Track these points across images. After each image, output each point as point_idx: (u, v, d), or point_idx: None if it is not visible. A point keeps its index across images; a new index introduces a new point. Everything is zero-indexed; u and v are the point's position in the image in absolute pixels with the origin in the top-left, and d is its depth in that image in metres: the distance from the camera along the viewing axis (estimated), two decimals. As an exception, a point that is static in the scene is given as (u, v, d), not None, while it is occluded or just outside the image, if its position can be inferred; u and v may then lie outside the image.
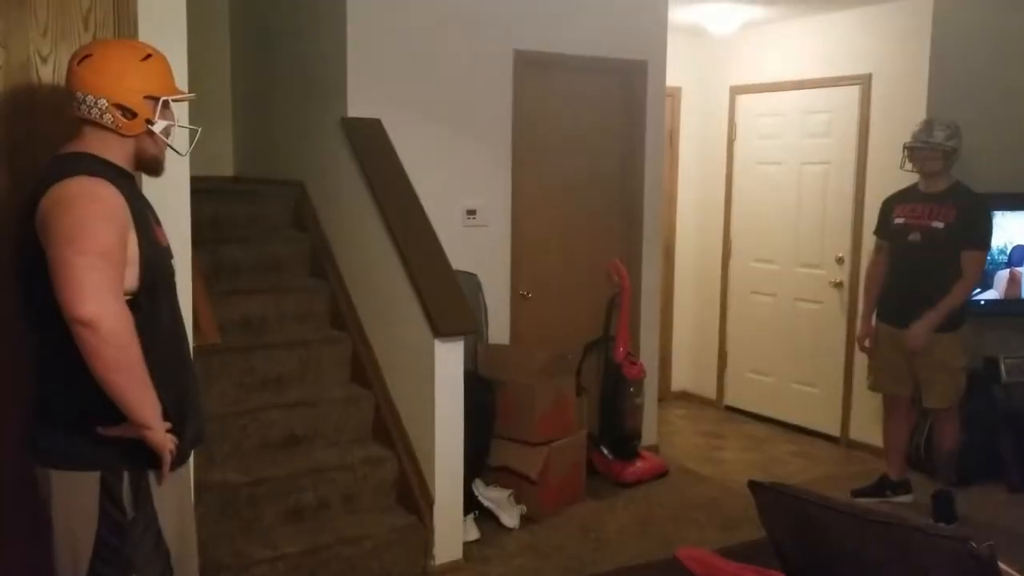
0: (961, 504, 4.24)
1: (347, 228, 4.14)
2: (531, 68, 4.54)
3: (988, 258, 4.74)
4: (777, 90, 5.64)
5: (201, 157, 2.75)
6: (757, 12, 5.24)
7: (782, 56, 5.61)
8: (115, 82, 2.00)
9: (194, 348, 2.75)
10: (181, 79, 2.59)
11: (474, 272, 4.30)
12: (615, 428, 4.68)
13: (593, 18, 4.71)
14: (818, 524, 1.83)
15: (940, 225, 4.04)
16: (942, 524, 4.06)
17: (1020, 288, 4.79)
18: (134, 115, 2.02)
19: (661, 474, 4.73)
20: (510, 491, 4.08)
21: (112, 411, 1.90)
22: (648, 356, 5.04)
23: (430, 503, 3.59)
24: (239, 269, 4.15)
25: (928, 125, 4.15)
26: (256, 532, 3.42)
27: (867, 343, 4.41)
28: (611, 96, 4.92)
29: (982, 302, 4.79)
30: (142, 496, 2.00)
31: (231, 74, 5.18)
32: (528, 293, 4.66)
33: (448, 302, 3.56)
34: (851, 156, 5.22)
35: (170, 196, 2.59)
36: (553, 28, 4.59)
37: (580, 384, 4.53)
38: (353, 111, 4.05)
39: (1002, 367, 4.84)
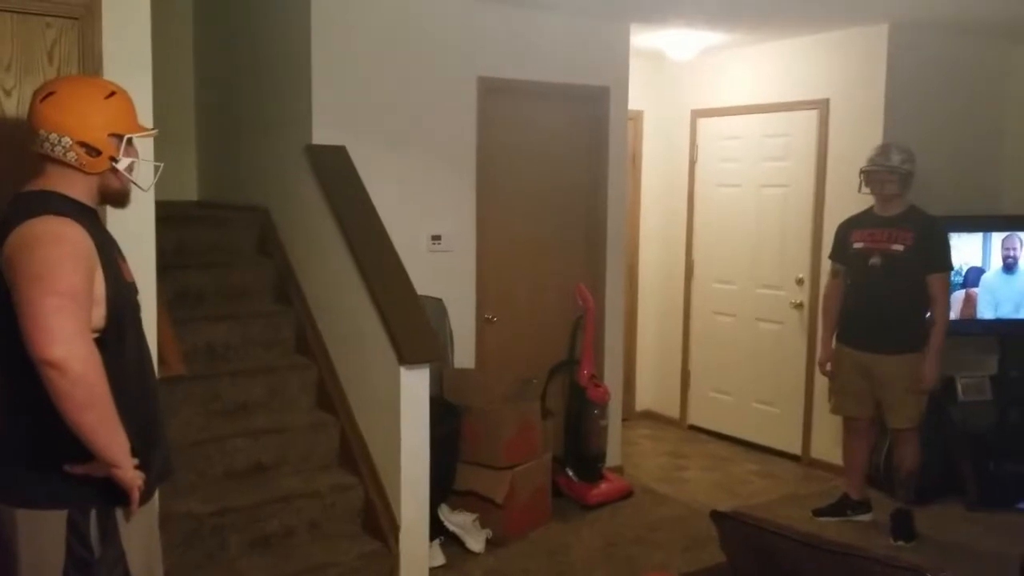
0: (920, 522, 4.32)
1: (312, 254, 4.14)
2: (495, 94, 4.59)
3: (944, 279, 4.87)
4: (737, 114, 5.74)
5: (165, 182, 2.74)
6: (716, 38, 5.34)
7: (741, 81, 5.72)
8: (79, 120, 1.99)
9: (159, 379, 2.74)
10: (147, 107, 2.59)
11: (439, 297, 4.32)
12: (580, 451, 4.71)
13: (556, 45, 4.77)
14: (779, 554, 1.87)
15: (900, 248, 4.10)
16: (901, 542, 4.13)
17: (975, 308, 4.91)
18: (98, 153, 2.01)
19: (626, 495, 4.76)
20: (475, 515, 4.09)
21: (80, 449, 1.88)
22: (612, 377, 5.09)
23: (396, 529, 3.59)
24: (204, 295, 4.12)
25: (885, 149, 4.24)
26: (221, 562, 3.38)
27: (828, 367, 4.46)
28: (575, 121, 4.98)
29: (937, 323, 4.90)
30: (110, 533, 1.98)
31: (195, 98, 5.16)
32: (493, 317, 4.68)
33: (413, 328, 3.57)
34: (809, 179, 5.32)
35: (134, 223, 2.60)
36: (516, 55, 4.64)
37: (545, 407, 4.56)
38: (318, 138, 4.06)
39: (958, 386, 4.96)
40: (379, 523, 3.64)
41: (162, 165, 2.31)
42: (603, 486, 4.70)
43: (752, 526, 2.01)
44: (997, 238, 4.89)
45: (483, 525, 4.08)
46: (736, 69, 5.75)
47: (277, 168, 4.37)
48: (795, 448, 5.48)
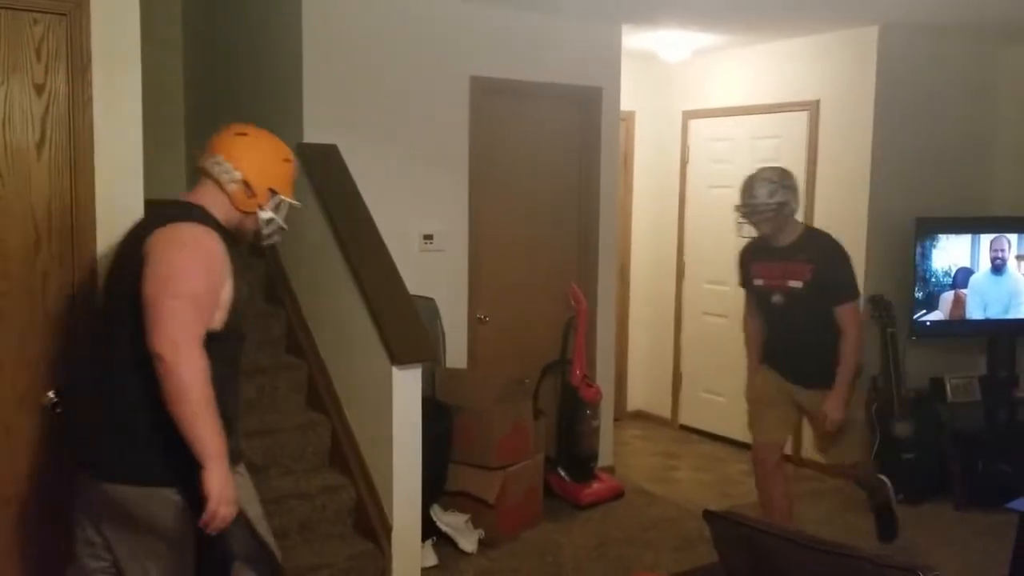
0: (909, 522, 4.33)
1: (303, 254, 4.12)
2: (487, 94, 4.58)
3: (933, 280, 4.89)
4: (728, 115, 5.75)
5: (153, 180, 2.74)
6: (708, 39, 5.35)
7: (732, 82, 5.73)
8: (254, 164, 2.30)
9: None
10: (135, 104, 2.59)
11: (431, 297, 4.31)
12: (572, 451, 4.71)
13: (548, 45, 4.77)
14: (771, 553, 1.87)
15: (799, 285, 3.66)
16: (885, 541, 4.06)
17: (964, 309, 4.94)
18: (252, 195, 2.29)
19: (617, 495, 4.76)
20: (468, 516, 4.08)
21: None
22: (604, 377, 5.09)
23: (388, 530, 3.58)
24: (193, 295, 4.09)
25: (748, 185, 3.74)
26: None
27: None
28: (567, 121, 4.98)
29: (928, 323, 4.93)
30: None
31: (184, 96, 5.14)
32: (485, 317, 4.68)
33: (405, 328, 3.56)
34: (800, 181, 5.32)
35: (123, 220, 2.57)
36: (509, 55, 4.64)
37: (537, 407, 4.55)
38: (309, 136, 4.04)
39: (948, 387, 4.99)
40: (371, 524, 3.63)
41: (281, 232, 2.47)
42: (595, 486, 4.70)
43: (744, 526, 2.01)
44: (986, 239, 4.92)
45: (475, 525, 4.08)
46: (727, 70, 5.76)
47: (268, 167, 4.35)
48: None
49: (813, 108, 5.24)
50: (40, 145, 2.43)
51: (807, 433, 5.35)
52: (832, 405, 3.67)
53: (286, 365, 4.02)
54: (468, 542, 4.01)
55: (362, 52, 4.21)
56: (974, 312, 4.94)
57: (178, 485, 2.07)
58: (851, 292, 3.74)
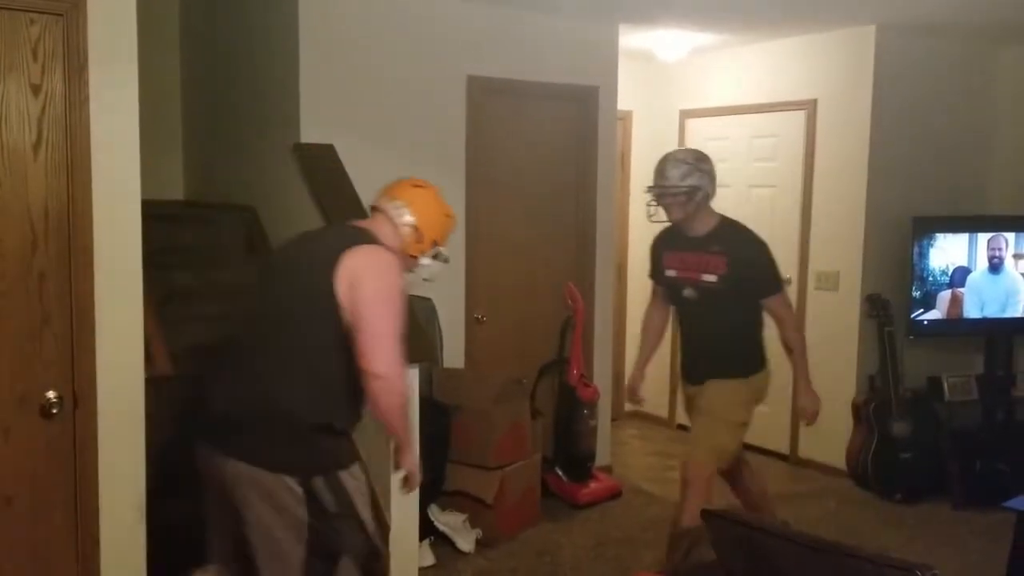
0: (908, 520, 4.35)
1: (301, 253, 4.11)
2: (484, 93, 4.58)
3: (931, 279, 4.90)
4: (725, 114, 5.75)
5: (150, 180, 2.73)
6: (705, 38, 5.35)
7: (730, 81, 5.73)
8: (426, 215, 2.61)
9: (146, 380, 2.73)
10: (132, 105, 2.58)
11: (428, 297, 4.30)
12: (570, 450, 4.71)
13: (545, 45, 4.77)
14: (769, 552, 1.87)
15: (713, 279, 3.41)
16: None
17: (961, 308, 4.94)
18: (419, 241, 2.59)
19: (615, 495, 4.76)
20: (465, 516, 4.08)
21: (327, 434, 2.42)
22: (602, 377, 5.09)
23: (385, 529, 3.56)
24: (190, 295, 4.08)
25: (661, 165, 3.50)
26: (207, 564, 3.35)
27: (638, 395, 3.92)
28: (564, 121, 4.98)
29: (925, 322, 4.94)
30: (340, 493, 2.41)
31: (181, 96, 5.13)
32: (482, 317, 4.67)
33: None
34: (797, 180, 5.34)
35: (120, 221, 2.57)
36: (506, 54, 4.64)
37: (535, 407, 4.55)
38: (306, 136, 4.04)
39: (945, 386, 5.00)
40: (368, 524, 3.62)
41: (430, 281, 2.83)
42: (593, 486, 4.70)
43: (742, 525, 2.01)
44: (983, 238, 4.92)
45: (473, 525, 4.08)
46: (725, 70, 5.76)
47: (265, 166, 4.35)
48: (783, 447, 5.49)
49: (810, 107, 5.25)
50: (37, 145, 2.42)
51: (804, 433, 5.36)
52: (807, 398, 3.54)
53: (284, 365, 4.01)
54: (466, 542, 4.01)
55: (359, 52, 4.21)
56: (971, 311, 4.95)
57: (299, 477, 2.35)
58: (777, 283, 3.53)
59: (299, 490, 2.36)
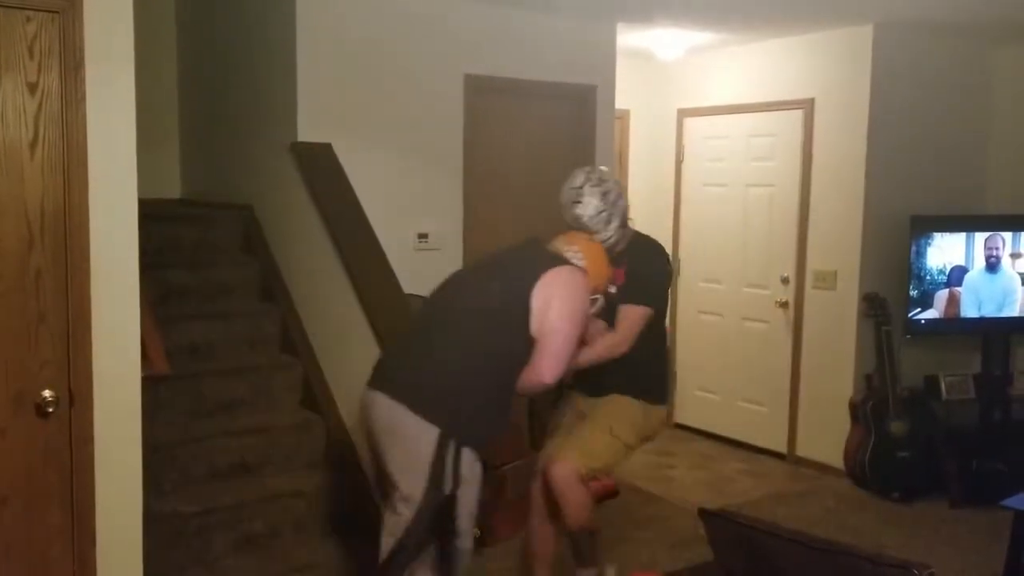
0: (905, 519, 4.35)
1: (297, 252, 4.11)
2: (482, 92, 4.57)
3: (928, 278, 4.90)
4: (723, 113, 5.75)
5: (147, 178, 2.72)
6: (703, 37, 5.35)
7: (728, 80, 5.73)
8: (596, 265, 2.94)
9: (142, 379, 2.72)
10: (129, 103, 2.57)
11: (426, 296, 4.29)
12: (568, 449, 4.70)
13: (543, 44, 4.76)
14: (767, 551, 1.87)
15: (613, 290, 3.19)
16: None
17: (959, 307, 4.94)
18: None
19: (612, 494, 4.75)
20: (463, 515, 4.07)
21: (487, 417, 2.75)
22: (600, 377, 5.07)
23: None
24: (187, 294, 4.09)
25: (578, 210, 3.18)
26: (206, 562, 3.36)
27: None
28: (562, 120, 4.97)
29: (922, 321, 4.94)
30: (458, 467, 2.64)
31: (179, 94, 5.13)
32: (480, 316, 4.66)
33: (400, 327, 3.55)
34: (795, 179, 5.33)
35: (117, 219, 2.56)
36: (503, 53, 4.63)
37: (533, 407, 4.54)
38: (303, 135, 4.03)
39: (942, 385, 5.00)
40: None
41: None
42: (590, 485, 4.68)
43: (740, 524, 2.00)
44: (980, 238, 4.92)
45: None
46: (722, 69, 5.76)
47: (262, 165, 4.35)
48: (781, 446, 5.49)
49: (808, 106, 5.25)
50: (33, 144, 2.41)
51: (802, 431, 5.37)
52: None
53: (280, 364, 4.02)
54: (463, 541, 3.99)
55: (356, 50, 4.20)
56: (969, 310, 4.95)
57: (442, 431, 2.58)
58: (641, 297, 3.17)
59: (435, 445, 2.59)
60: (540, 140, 4.90)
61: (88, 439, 2.56)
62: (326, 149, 4.00)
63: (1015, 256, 4.95)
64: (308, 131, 4.04)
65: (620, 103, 5.29)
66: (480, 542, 4.02)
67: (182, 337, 3.86)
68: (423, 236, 4.45)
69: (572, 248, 2.92)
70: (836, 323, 5.13)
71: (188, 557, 3.33)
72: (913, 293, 4.90)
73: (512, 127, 4.79)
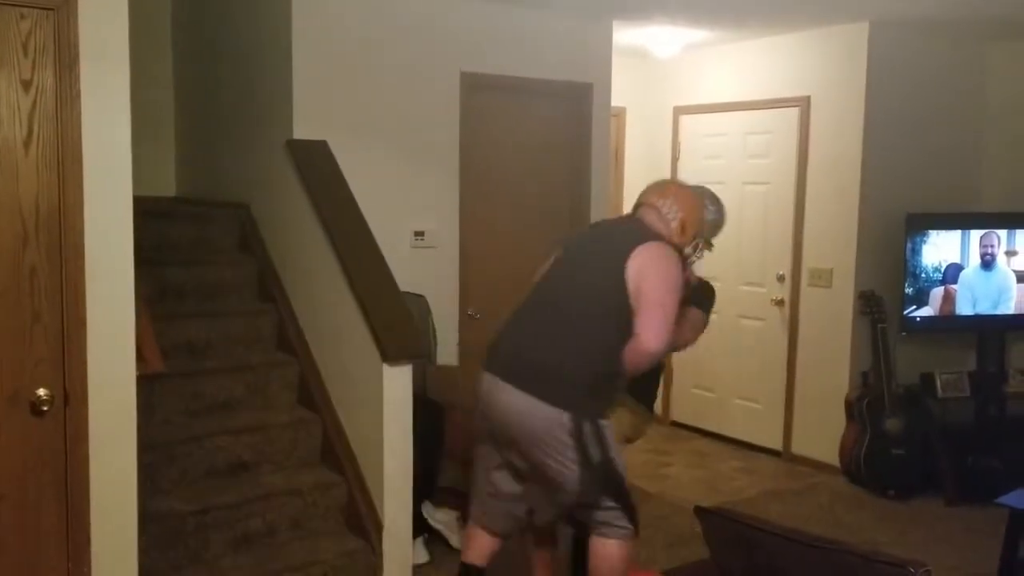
0: (900, 517, 4.35)
1: (294, 251, 4.10)
2: (478, 90, 4.57)
3: (924, 275, 4.91)
4: (719, 111, 5.75)
5: (142, 176, 2.72)
6: (699, 35, 5.35)
7: (723, 78, 5.73)
8: (694, 212, 3.03)
9: (138, 377, 2.71)
10: (124, 101, 2.57)
11: (422, 294, 4.30)
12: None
13: (539, 41, 4.76)
14: (763, 548, 1.87)
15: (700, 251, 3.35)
16: None
17: (954, 305, 4.95)
18: (683, 234, 2.99)
19: None
20: (459, 512, 4.06)
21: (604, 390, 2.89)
22: (596, 374, 5.08)
23: (379, 527, 3.57)
24: (183, 292, 4.08)
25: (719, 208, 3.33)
26: (203, 561, 3.35)
27: None
28: (558, 117, 4.97)
29: (918, 319, 4.95)
30: (602, 439, 2.83)
31: (174, 92, 5.11)
32: (477, 314, 4.67)
33: (396, 326, 3.55)
34: (791, 177, 5.34)
35: (112, 217, 2.56)
36: (499, 51, 4.63)
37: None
38: (299, 133, 4.03)
39: (938, 382, 5.01)
40: (362, 521, 3.61)
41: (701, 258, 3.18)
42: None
43: (736, 522, 2.00)
44: (976, 235, 4.93)
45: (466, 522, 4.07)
46: (718, 66, 5.76)
47: (258, 164, 4.34)
48: (776, 444, 5.50)
49: (804, 104, 5.25)
50: (28, 141, 2.41)
51: (798, 429, 5.38)
52: None
53: (277, 362, 4.01)
54: (460, 539, 4.00)
55: (352, 48, 4.20)
56: (964, 308, 4.96)
57: (572, 414, 2.76)
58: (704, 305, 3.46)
59: (571, 426, 2.76)
60: (536, 138, 4.90)
61: (83, 438, 2.55)
62: (322, 147, 3.99)
63: (1010, 254, 4.96)
64: (304, 129, 4.03)
65: (616, 101, 5.29)
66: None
67: (179, 336, 3.85)
68: (419, 234, 4.44)
69: (665, 200, 3.00)
70: (832, 321, 5.14)
71: (185, 556, 3.32)
72: (909, 291, 4.91)
73: (508, 125, 4.79)
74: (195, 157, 5.03)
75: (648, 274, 2.80)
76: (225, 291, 4.20)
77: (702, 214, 3.08)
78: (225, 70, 4.68)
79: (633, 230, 2.95)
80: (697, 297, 3.33)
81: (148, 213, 3.41)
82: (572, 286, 2.95)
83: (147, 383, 3.04)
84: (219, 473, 3.60)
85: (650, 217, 3.00)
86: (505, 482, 3.06)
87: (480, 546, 3.18)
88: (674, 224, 2.98)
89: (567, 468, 2.81)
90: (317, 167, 3.93)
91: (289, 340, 4.04)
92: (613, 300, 2.82)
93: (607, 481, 2.88)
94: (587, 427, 2.81)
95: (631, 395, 3.32)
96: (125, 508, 2.68)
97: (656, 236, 2.91)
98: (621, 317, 2.82)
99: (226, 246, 4.39)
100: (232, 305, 4.16)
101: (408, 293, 4.03)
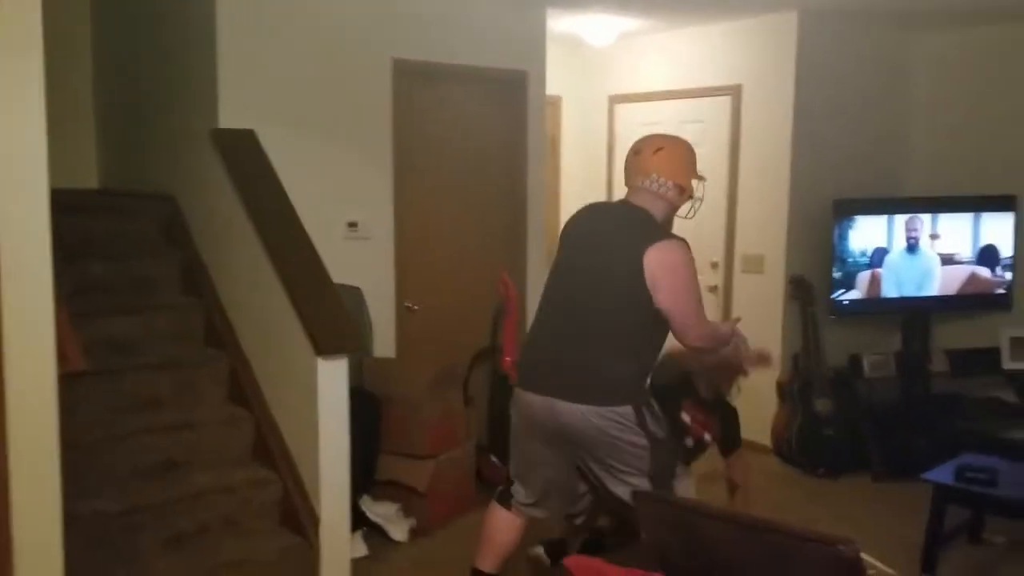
0: (830, 494, 4.46)
1: (222, 244, 4.01)
2: (410, 77, 4.52)
3: (851, 260, 5.03)
4: (653, 100, 5.80)
5: (63, 168, 2.61)
6: (633, 24, 5.38)
7: (658, 66, 5.78)
8: (679, 170, 3.01)
9: (59, 376, 2.61)
10: (37, 91, 2.46)
11: (357, 286, 4.24)
12: (503, 436, 4.68)
13: (472, 28, 4.72)
14: (697, 530, 1.89)
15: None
16: None
17: (880, 288, 5.09)
18: (684, 192, 3.03)
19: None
20: (399, 505, 4.04)
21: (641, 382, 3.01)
22: (534, 363, 5.08)
23: (316, 522, 3.51)
24: (107, 287, 3.95)
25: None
26: (132, 563, 3.26)
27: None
28: (493, 106, 4.95)
29: (846, 302, 5.07)
30: (659, 417, 2.99)
31: (93, 80, 4.94)
32: (414, 305, 4.63)
33: (330, 319, 3.49)
34: (723, 165, 5.41)
35: (27, 211, 2.45)
36: (432, 38, 4.58)
37: (468, 394, 4.53)
38: (224, 122, 3.92)
39: (865, 364, 5.14)
40: (298, 517, 3.56)
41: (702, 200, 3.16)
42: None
43: (671, 505, 2.02)
44: (900, 220, 5.07)
45: (407, 514, 4.04)
46: (653, 55, 5.80)
47: (183, 154, 4.22)
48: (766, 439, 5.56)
49: (736, 93, 5.32)
50: (-66, 132, 2.29)
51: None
52: None
53: (206, 358, 3.91)
54: (399, 531, 3.97)
55: (279, 34, 4.10)
56: (889, 290, 5.10)
57: (632, 405, 2.89)
58: None
59: (634, 417, 2.88)
60: (472, 126, 4.86)
61: (2, 439, 2.45)
62: (249, 136, 3.89)
63: (934, 237, 5.11)
64: (230, 117, 3.93)
65: (552, 89, 5.29)
66: (415, 532, 4.01)
67: (102, 332, 3.73)
68: (353, 225, 4.37)
69: (650, 176, 3.00)
70: (764, 306, 5.23)
71: (113, 558, 3.23)
72: (837, 275, 5.03)
73: (443, 113, 4.74)
74: (118, 148, 4.87)
75: (662, 283, 2.85)
76: (151, 286, 4.08)
77: (688, 159, 3.05)
78: (148, 57, 4.53)
79: (636, 225, 2.96)
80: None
81: (69, 206, 3.29)
82: (593, 285, 2.97)
83: (69, 381, 2.93)
84: (147, 473, 3.50)
85: (645, 199, 3.01)
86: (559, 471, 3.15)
87: (504, 540, 3.26)
88: (671, 193, 3.00)
89: (639, 456, 2.92)
90: (244, 157, 3.84)
91: (218, 335, 3.95)
92: (637, 295, 2.87)
93: (671, 451, 3.05)
94: (646, 412, 2.93)
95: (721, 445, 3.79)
96: (48, 510, 2.58)
97: (658, 229, 2.95)
98: (649, 309, 2.88)
99: (151, 239, 4.26)
100: (158, 300, 4.04)
101: (343, 285, 3.96)
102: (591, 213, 3.22)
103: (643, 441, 2.92)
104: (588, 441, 2.94)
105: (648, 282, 2.85)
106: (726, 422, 3.81)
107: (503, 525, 3.25)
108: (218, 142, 3.87)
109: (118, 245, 4.15)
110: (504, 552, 3.26)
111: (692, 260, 2.93)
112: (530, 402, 3.03)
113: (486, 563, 3.25)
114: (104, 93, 4.93)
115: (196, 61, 4.07)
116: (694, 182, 3.06)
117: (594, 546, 3.65)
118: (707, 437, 3.65)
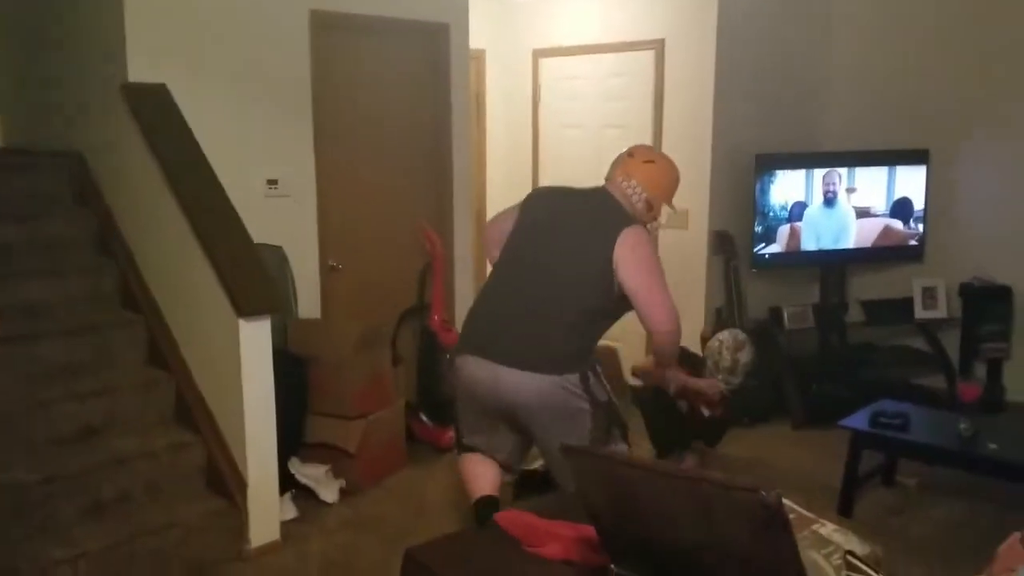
0: (751, 442, 4.59)
1: (135, 203, 3.86)
2: (329, 29, 4.39)
3: (772, 214, 5.13)
4: (577, 54, 5.75)
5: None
6: (556, -24, 5.31)
7: (581, 20, 5.73)
8: (659, 191, 3.19)
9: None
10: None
11: (279, 245, 4.14)
12: (433, 395, 4.69)
13: (393, -21, 4.60)
14: (625, 482, 1.91)
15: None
16: None
17: (799, 241, 5.21)
18: (650, 210, 3.18)
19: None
20: (328, 466, 4.01)
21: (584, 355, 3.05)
22: (463, 320, 5.07)
23: (243, 486, 3.47)
24: (15, 249, 3.79)
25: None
26: (53, 532, 3.17)
27: None
28: (415, 59, 4.85)
29: (766, 256, 5.18)
30: (602, 384, 3.07)
31: (-8, 31, 4.67)
32: (338, 264, 4.55)
33: (250, 279, 3.41)
34: (647, 120, 5.42)
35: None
36: (352, -12, 4.45)
37: (396, 353, 4.50)
38: (134, 75, 3.75)
39: (785, 316, 5.27)
40: (224, 480, 3.50)
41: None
42: (456, 428, 4.70)
43: (600, 457, 2.04)
44: (819, 174, 5.18)
45: (337, 475, 4.02)
46: (576, 8, 5.75)
47: (91, 109, 4.04)
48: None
49: (659, 47, 5.32)
50: None
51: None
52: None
53: (122, 321, 3.80)
54: (329, 492, 3.95)
55: (192, -16, 3.93)
56: (808, 244, 5.22)
57: (580, 372, 2.97)
58: None
59: (579, 383, 2.96)
60: (394, 80, 4.76)
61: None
62: (161, 90, 3.73)
63: (850, 191, 5.24)
64: (140, 71, 3.75)
65: (475, 43, 5.21)
66: (345, 492, 4.00)
67: (14, 297, 3.60)
68: (272, 182, 4.26)
69: (630, 181, 3.15)
70: (688, 260, 5.30)
71: (34, 527, 3.13)
72: (758, 229, 5.12)
73: (363, 67, 4.63)
74: (23, 104, 4.63)
75: (627, 266, 2.95)
76: (63, 247, 3.92)
77: (669, 184, 3.22)
78: (50, 6, 4.29)
79: (606, 212, 3.07)
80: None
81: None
82: (555, 261, 3.04)
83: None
84: (65, 440, 3.40)
85: (617, 190, 3.15)
86: (503, 432, 3.21)
87: (488, 475, 3.28)
88: (640, 205, 3.13)
89: (580, 421, 2.99)
90: (156, 112, 3.69)
91: (135, 297, 3.83)
92: (601, 280, 2.96)
93: (612, 415, 3.11)
94: (591, 375, 3.02)
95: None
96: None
97: (625, 216, 3.05)
98: (609, 295, 2.99)
99: (61, 199, 4.09)
100: (71, 262, 3.89)
101: (264, 244, 3.87)
102: (566, 194, 3.28)
103: (585, 406, 3.00)
104: (531, 407, 3.00)
105: (616, 263, 2.94)
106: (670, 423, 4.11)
107: (479, 463, 3.29)
108: (128, 97, 3.71)
109: (26, 205, 3.98)
110: (494, 479, 3.29)
111: (655, 249, 3.09)
112: (473, 367, 3.07)
113: (485, 489, 3.26)
114: (4, 46, 4.66)
115: (102, 10, 3.87)
116: (664, 207, 3.22)
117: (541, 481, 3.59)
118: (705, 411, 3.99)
